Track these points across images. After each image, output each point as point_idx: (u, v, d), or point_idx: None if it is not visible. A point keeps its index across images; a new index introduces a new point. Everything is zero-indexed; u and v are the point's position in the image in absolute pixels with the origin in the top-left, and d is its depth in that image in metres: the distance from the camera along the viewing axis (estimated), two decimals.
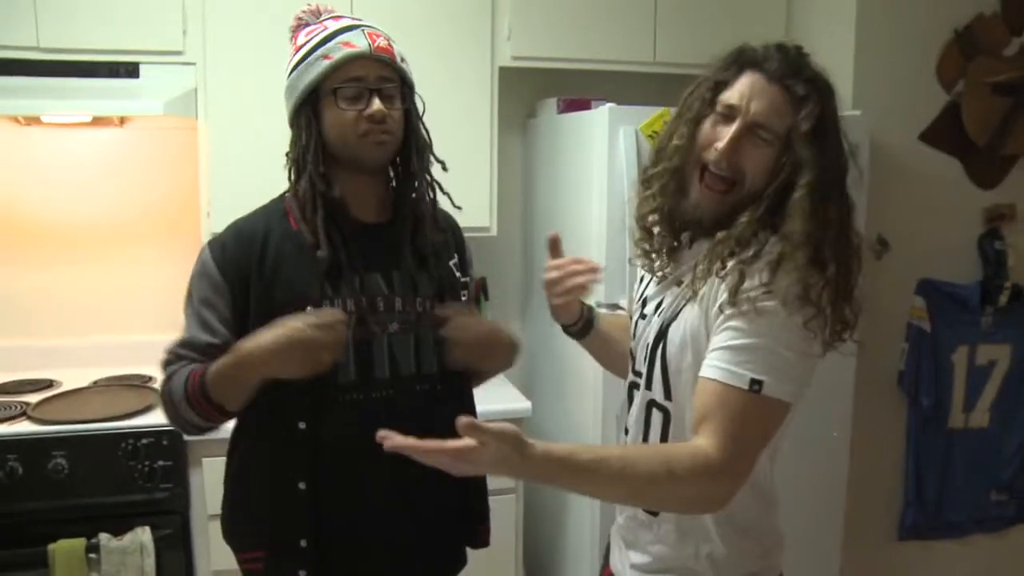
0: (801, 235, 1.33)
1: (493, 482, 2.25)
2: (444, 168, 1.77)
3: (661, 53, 3.04)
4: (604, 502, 1.39)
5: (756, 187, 1.39)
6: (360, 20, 1.70)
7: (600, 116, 2.66)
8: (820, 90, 1.38)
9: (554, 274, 1.66)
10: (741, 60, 1.42)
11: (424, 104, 1.74)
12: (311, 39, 1.65)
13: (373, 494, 1.66)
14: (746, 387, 1.30)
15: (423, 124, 1.74)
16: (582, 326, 1.76)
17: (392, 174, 1.74)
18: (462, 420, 1.16)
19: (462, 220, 1.90)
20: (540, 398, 3.06)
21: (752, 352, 1.31)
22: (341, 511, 1.66)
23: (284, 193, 1.74)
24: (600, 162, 2.66)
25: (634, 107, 2.66)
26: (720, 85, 1.43)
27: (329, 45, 1.62)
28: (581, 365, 2.84)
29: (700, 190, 1.43)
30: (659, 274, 1.57)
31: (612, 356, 1.80)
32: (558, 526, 3.06)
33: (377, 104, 1.61)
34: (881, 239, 2.99)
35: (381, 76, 1.63)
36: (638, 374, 1.55)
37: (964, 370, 3.19)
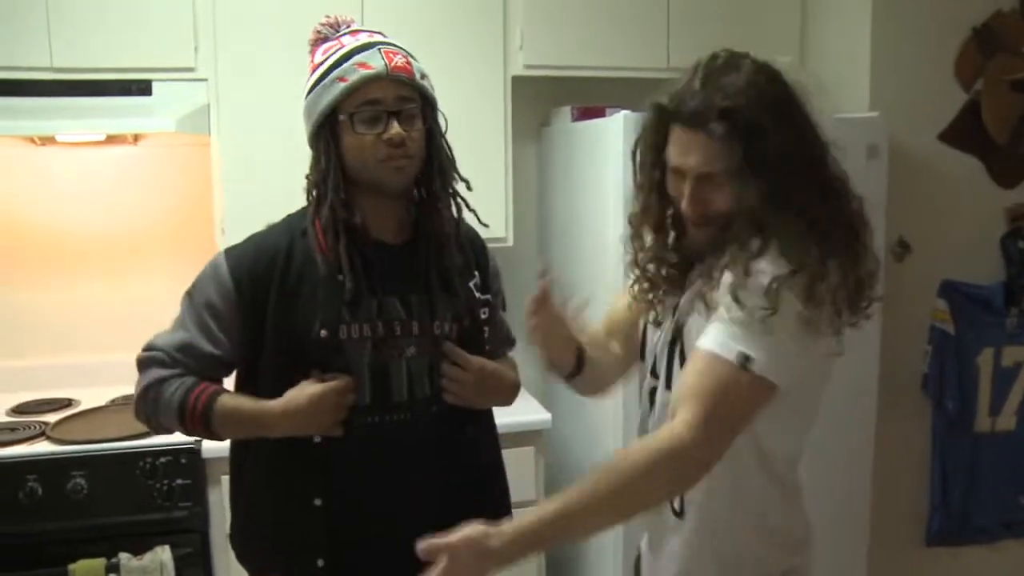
0: (789, 242, 1.32)
1: (512, 495, 2.24)
2: (468, 187, 1.74)
3: (675, 59, 3.01)
4: (613, 526, 1.37)
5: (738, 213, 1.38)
6: (377, 36, 1.66)
7: (615, 124, 2.63)
8: (741, 115, 1.32)
9: (534, 321, 1.63)
10: (663, 115, 1.41)
11: (447, 121, 1.70)
12: (327, 58, 1.61)
13: (388, 516, 1.64)
14: (734, 360, 1.29)
15: (446, 142, 1.70)
16: (577, 365, 1.71)
17: (416, 193, 1.71)
18: (421, 547, 1.19)
19: (476, 230, 1.87)
20: (560, 410, 3.03)
21: (746, 327, 1.29)
22: (356, 533, 1.64)
23: (306, 208, 1.70)
24: (616, 170, 2.64)
25: None
26: (659, 145, 1.43)
27: (345, 67, 1.58)
28: None
29: (692, 230, 1.45)
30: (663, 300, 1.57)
31: (604, 375, 1.78)
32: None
33: (396, 128, 1.57)
34: (902, 241, 2.96)
35: (399, 97, 1.59)
36: (656, 377, 1.54)
37: (990, 373, 3.14)
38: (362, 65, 1.57)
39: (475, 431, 1.75)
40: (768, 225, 1.34)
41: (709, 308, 1.38)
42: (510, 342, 1.99)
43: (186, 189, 3.10)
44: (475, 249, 1.81)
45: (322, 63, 1.61)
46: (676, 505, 1.50)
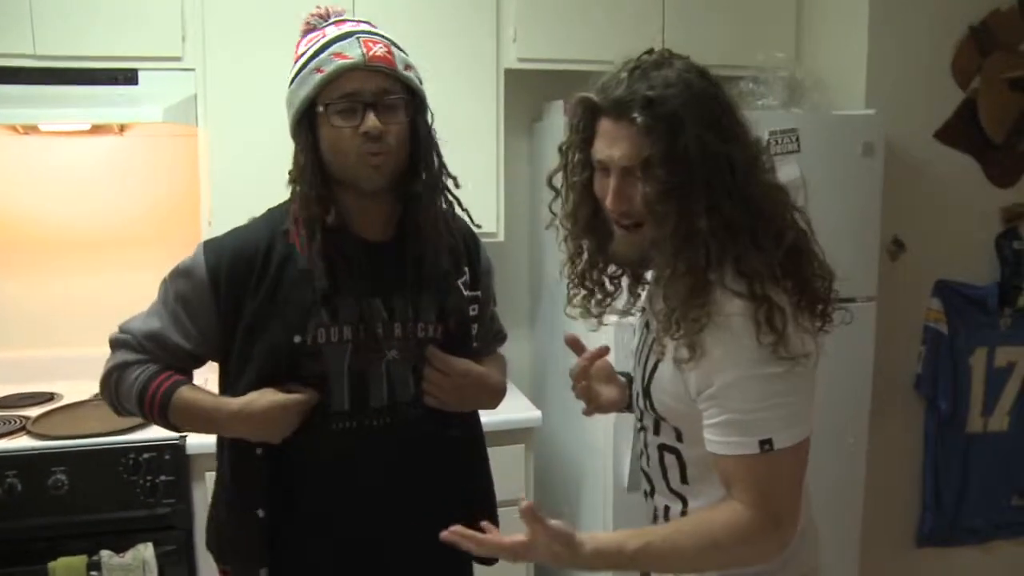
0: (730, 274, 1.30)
1: (501, 494, 2.21)
2: (456, 184, 1.66)
3: None
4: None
5: (670, 211, 1.31)
6: (363, 25, 1.60)
7: None
8: (663, 106, 1.28)
9: (583, 383, 1.66)
10: (589, 108, 1.38)
11: (433, 116, 1.62)
12: (308, 48, 1.55)
13: (363, 522, 1.61)
14: (758, 451, 1.29)
15: (434, 136, 1.62)
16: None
17: (402, 190, 1.62)
18: (523, 506, 1.26)
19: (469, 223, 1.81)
20: (550, 408, 3.00)
21: (750, 416, 1.29)
22: (324, 539, 1.61)
23: (288, 201, 1.64)
24: None
25: None
26: (587, 141, 1.39)
27: (322, 57, 1.51)
28: None
29: (617, 234, 1.41)
30: (631, 310, 1.58)
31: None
32: None
33: (372, 120, 1.49)
34: (897, 240, 2.94)
35: (379, 89, 1.51)
36: (640, 418, 1.54)
37: (982, 373, 3.13)
38: (338, 55, 1.50)
39: (459, 434, 1.70)
40: (696, 244, 1.29)
41: (675, 370, 1.36)
42: (501, 337, 1.95)
43: (173, 180, 3.05)
44: (466, 244, 1.75)
45: (303, 54, 1.56)
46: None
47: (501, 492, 2.44)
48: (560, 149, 1.47)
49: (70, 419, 2.59)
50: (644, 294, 1.56)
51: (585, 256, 1.52)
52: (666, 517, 1.50)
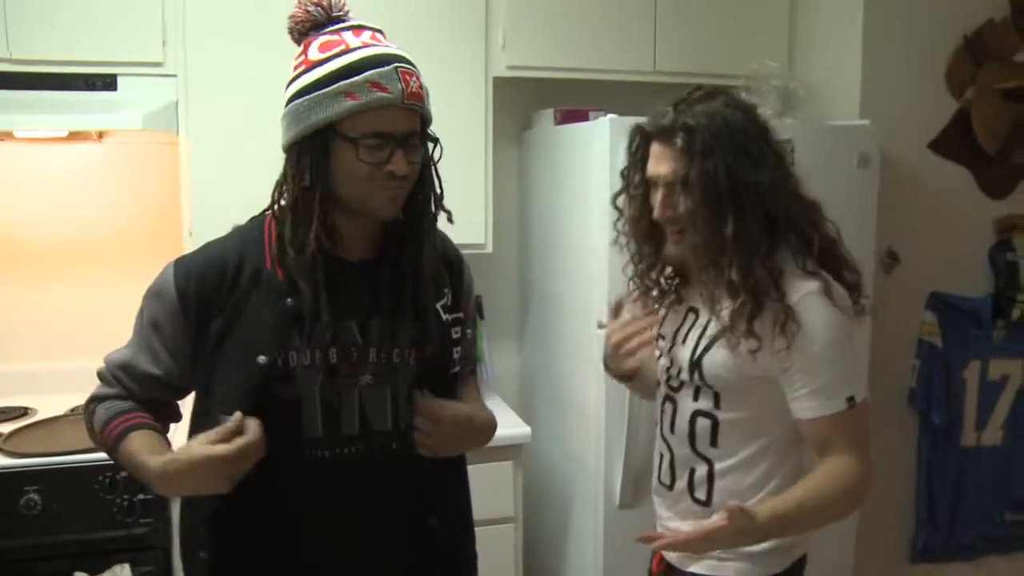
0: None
1: (490, 511, 2.16)
2: (450, 220, 1.59)
3: (661, 62, 2.95)
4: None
5: (703, 221, 1.59)
6: (382, 40, 1.48)
7: (601, 127, 2.55)
8: (699, 134, 1.56)
9: (618, 336, 1.79)
10: (642, 134, 1.70)
11: (442, 149, 1.52)
12: (329, 60, 1.41)
13: (336, 550, 1.53)
14: (845, 407, 1.57)
15: (435, 168, 1.53)
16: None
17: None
18: (732, 505, 1.45)
19: (456, 237, 1.74)
20: (539, 423, 2.95)
21: (837, 378, 1.57)
22: (297, 567, 1.53)
23: (264, 212, 1.55)
24: (601, 175, 2.56)
25: (636, 118, 2.54)
26: (643, 161, 1.69)
27: (355, 80, 1.38)
28: (581, 388, 2.74)
29: (670, 241, 1.69)
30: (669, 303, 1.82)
31: (649, 386, 1.93)
32: (559, 553, 2.95)
33: (402, 161, 1.40)
34: (891, 252, 2.91)
35: (411, 129, 1.43)
36: (676, 387, 1.75)
37: (976, 386, 3.10)
38: (376, 86, 1.37)
39: (434, 462, 1.59)
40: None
41: (730, 348, 1.61)
42: (475, 359, 1.86)
43: (153, 190, 2.98)
44: (449, 264, 1.66)
45: (321, 63, 1.42)
46: (700, 494, 1.72)
47: (490, 510, 2.40)
48: (622, 173, 1.77)
49: (45, 435, 2.51)
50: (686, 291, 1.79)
51: (644, 259, 1.78)
52: (691, 478, 1.73)
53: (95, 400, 1.55)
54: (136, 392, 1.53)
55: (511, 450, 2.71)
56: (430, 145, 1.51)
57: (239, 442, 1.37)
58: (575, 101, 3.04)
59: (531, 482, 2.97)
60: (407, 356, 1.55)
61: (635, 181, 1.73)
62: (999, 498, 3.19)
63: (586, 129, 2.70)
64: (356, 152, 1.39)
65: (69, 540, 2.32)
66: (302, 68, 1.44)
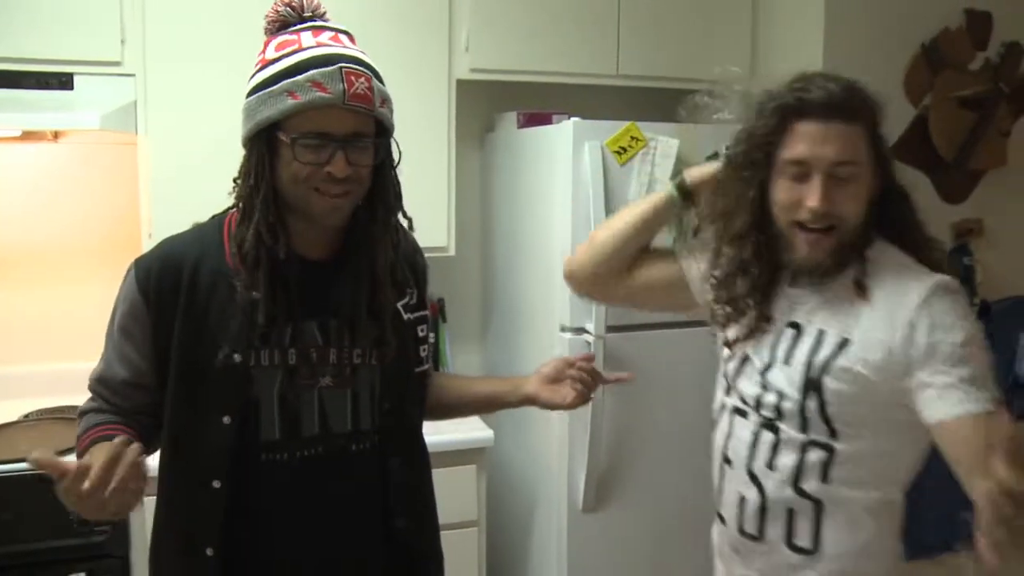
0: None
1: (453, 515, 2.15)
2: (411, 228, 1.59)
3: (624, 66, 2.95)
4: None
5: (858, 222, 1.46)
6: (343, 42, 1.46)
7: (564, 131, 2.55)
8: (865, 100, 1.46)
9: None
10: (783, 111, 1.46)
11: (400, 152, 1.51)
12: (281, 60, 1.40)
13: (295, 561, 1.51)
14: (994, 407, 1.33)
15: (395, 175, 1.52)
16: None
17: (353, 218, 1.52)
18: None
19: (418, 240, 1.72)
20: (502, 427, 2.94)
21: (975, 376, 1.35)
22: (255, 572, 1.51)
23: (226, 212, 1.54)
24: (564, 178, 2.56)
25: (599, 122, 2.56)
26: (771, 143, 1.47)
27: (298, 80, 1.37)
28: None
29: (805, 243, 1.47)
30: (748, 320, 1.58)
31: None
32: (522, 557, 2.94)
33: (341, 163, 1.38)
34: None
35: (353, 131, 1.40)
36: (773, 416, 1.51)
37: None
38: (317, 85, 1.36)
39: (399, 464, 1.59)
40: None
41: (871, 352, 1.42)
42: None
43: (111, 191, 2.92)
44: (412, 264, 1.65)
45: (273, 62, 1.42)
46: (803, 541, 1.50)
47: (453, 514, 2.38)
48: (729, 155, 1.59)
49: None
50: (776, 304, 1.57)
51: (749, 273, 1.56)
52: (789, 524, 1.50)
53: (80, 415, 1.53)
54: (119, 403, 1.50)
55: (474, 454, 2.70)
56: (387, 149, 1.49)
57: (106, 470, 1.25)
58: (538, 104, 3.04)
59: (494, 486, 2.96)
60: (368, 357, 1.54)
61: (754, 163, 1.50)
62: (956, 498, 3.21)
63: (549, 132, 2.70)
64: (294, 151, 1.39)
65: (23, 550, 2.26)
66: (259, 66, 1.45)
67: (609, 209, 2.54)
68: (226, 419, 1.45)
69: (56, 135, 2.85)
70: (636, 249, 1.76)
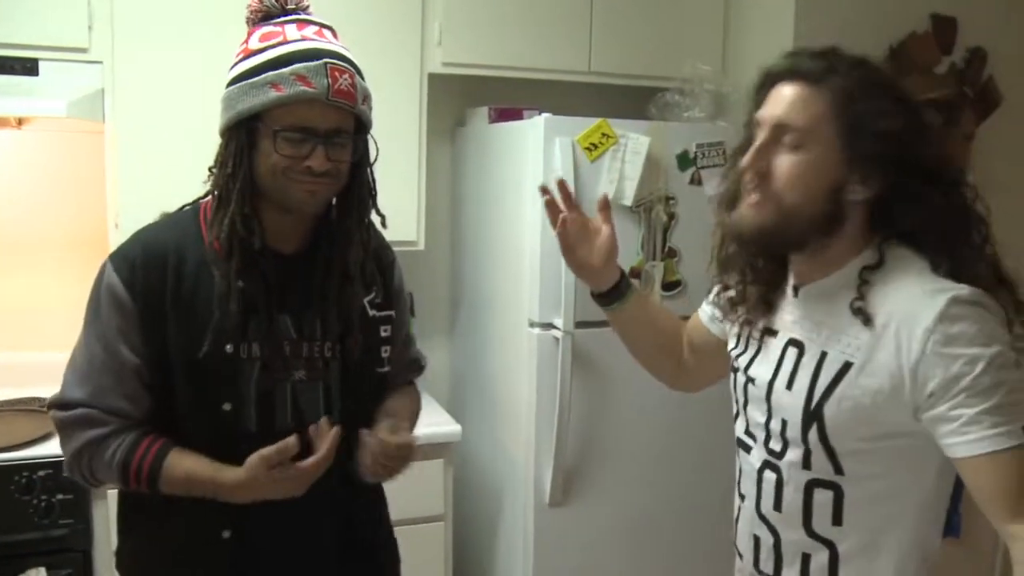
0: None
1: (419, 510, 2.15)
2: (384, 225, 1.60)
3: (596, 63, 2.96)
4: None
5: (798, 201, 1.28)
6: (327, 37, 1.47)
7: (535, 126, 2.56)
8: (841, 60, 1.30)
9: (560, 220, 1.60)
10: (764, 82, 1.36)
11: (378, 149, 1.52)
12: (265, 52, 1.40)
13: (267, 546, 1.52)
14: (1021, 441, 1.15)
15: (371, 172, 1.54)
16: (609, 291, 1.65)
17: (327, 212, 1.54)
18: None
19: (388, 234, 1.72)
20: (469, 421, 2.94)
21: (1003, 404, 1.16)
22: (226, 563, 1.51)
23: (198, 200, 1.54)
24: (535, 174, 2.56)
25: (571, 118, 2.56)
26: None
27: (282, 72, 1.37)
28: (512, 386, 2.74)
29: (746, 205, 1.33)
30: (747, 329, 1.47)
31: (643, 341, 1.73)
32: (489, 552, 2.94)
33: (321, 157, 1.39)
34: None
35: (335, 127, 1.41)
36: (779, 450, 1.38)
37: None
38: (301, 79, 1.37)
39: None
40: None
41: (875, 377, 1.24)
42: (417, 367, 1.85)
43: (77, 179, 2.88)
44: (379, 261, 1.65)
45: (256, 53, 1.41)
46: None
47: (419, 508, 2.39)
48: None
49: None
50: (777, 316, 1.44)
51: (756, 276, 1.46)
52: (804, 567, 1.37)
53: (89, 446, 1.45)
54: (125, 414, 1.46)
55: (441, 448, 2.70)
56: (365, 146, 1.50)
57: (313, 460, 1.43)
58: (510, 99, 3.04)
59: (461, 480, 2.96)
60: (336, 351, 1.54)
61: (747, 139, 1.38)
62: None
63: (520, 127, 2.70)
64: (275, 144, 1.39)
65: None
66: (241, 55, 1.44)
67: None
68: (227, 406, 1.46)
69: (20, 122, 2.80)
70: (652, 346, 1.72)
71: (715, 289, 1.57)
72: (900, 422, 1.24)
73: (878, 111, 1.26)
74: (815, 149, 1.26)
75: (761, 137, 1.30)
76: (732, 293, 1.47)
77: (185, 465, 1.44)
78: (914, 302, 1.22)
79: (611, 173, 2.58)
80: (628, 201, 2.59)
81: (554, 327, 2.57)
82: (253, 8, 1.48)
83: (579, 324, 2.55)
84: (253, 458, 1.40)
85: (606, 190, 2.58)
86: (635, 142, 2.58)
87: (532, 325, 2.62)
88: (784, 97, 1.29)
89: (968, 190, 1.32)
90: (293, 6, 1.49)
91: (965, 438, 1.16)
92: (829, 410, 1.29)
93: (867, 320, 1.25)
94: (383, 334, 1.64)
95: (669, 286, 2.69)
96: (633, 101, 2.98)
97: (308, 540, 1.56)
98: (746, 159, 1.31)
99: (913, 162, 1.27)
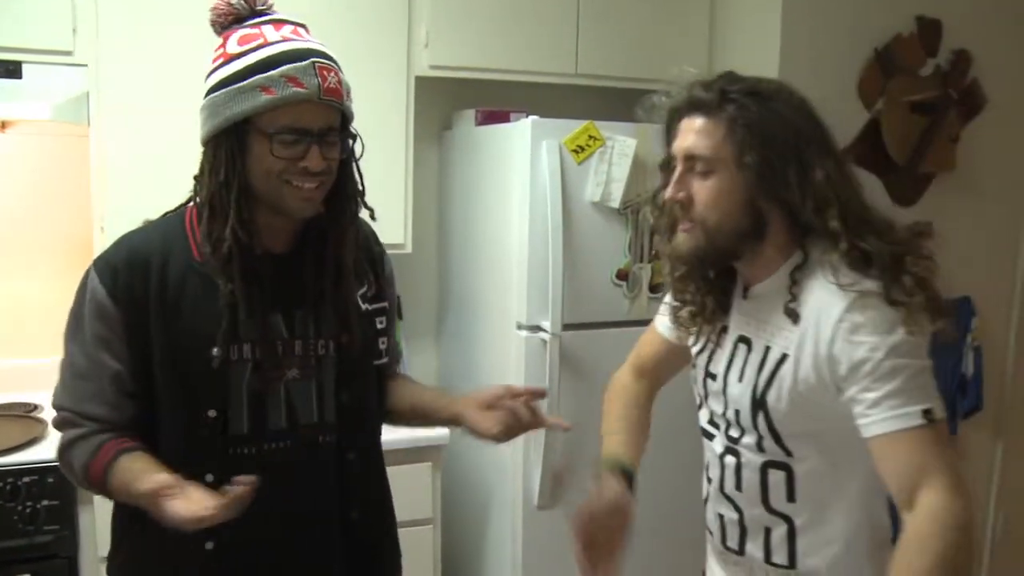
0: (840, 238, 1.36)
1: (408, 513, 2.14)
2: (373, 217, 1.59)
3: (583, 65, 2.96)
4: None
5: (719, 219, 1.40)
6: (302, 35, 1.46)
7: (522, 129, 2.56)
8: (733, 90, 1.40)
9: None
10: (671, 117, 1.49)
11: (363, 144, 1.52)
12: (247, 53, 1.39)
13: (261, 548, 1.50)
14: (923, 421, 1.26)
15: (358, 167, 1.53)
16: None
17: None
18: None
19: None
20: None
21: (905, 387, 1.27)
22: (222, 567, 1.49)
23: (182, 206, 1.52)
24: (522, 176, 2.56)
25: (557, 120, 2.57)
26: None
27: (271, 75, 1.35)
28: None
29: (681, 232, 1.46)
30: (706, 330, 1.57)
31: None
32: (478, 554, 2.94)
33: (317, 157, 1.38)
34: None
35: (327, 125, 1.40)
36: (736, 436, 1.51)
37: None
38: (292, 80, 1.36)
39: (355, 456, 1.59)
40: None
41: (802, 367, 1.37)
42: (398, 355, 1.86)
43: (62, 183, 2.86)
44: (370, 254, 1.65)
45: (239, 56, 1.40)
46: (780, 558, 1.49)
47: (408, 511, 2.37)
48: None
49: None
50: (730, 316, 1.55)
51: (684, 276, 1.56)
52: (767, 541, 1.50)
53: (66, 447, 1.46)
54: (109, 418, 1.45)
55: (429, 451, 2.69)
56: (351, 141, 1.49)
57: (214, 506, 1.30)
58: (497, 102, 3.04)
59: (449, 483, 2.95)
60: (330, 350, 1.53)
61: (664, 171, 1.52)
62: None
63: (507, 130, 2.70)
64: (270, 147, 1.38)
65: None
66: (220, 61, 1.42)
67: (566, 208, 2.55)
68: (211, 412, 1.44)
69: (4, 125, 2.78)
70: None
71: (667, 309, 1.66)
72: (831, 407, 1.34)
73: (764, 126, 1.38)
74: (723, 172, 1.39)
75: (678, 169, 1.43)
76: (692, 308, 1.57)
77: (134, 467, 1.40)
78: (830, 296, 1.34)
79: (598, 175, 2.59)
80: (615, 203, 2.60)
81: (542, 329, 2.57)
82: (221, 11, 1.46)
83: (567, 326, 2.55)
84: (165, 475, 1.34)
85: (593, 192, 2.58)
86: (622, 144, 2.59)
87: (520, 327, 2.62)
88: (689, 129, 1.43)
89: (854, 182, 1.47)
90: (262, 6, 1.47)
91: (868, 420, 1.28)
92: (771, 399, 1.42)
93: (796, 319, 1.38)
94: (379, 326, 1.64)
95: (656, 288, 2.70)
96: (620, 103, 2.98)
97: (300, 552, 1.54)
98: (668, 191, 1.44)
99: (807, 163, 1.39)
